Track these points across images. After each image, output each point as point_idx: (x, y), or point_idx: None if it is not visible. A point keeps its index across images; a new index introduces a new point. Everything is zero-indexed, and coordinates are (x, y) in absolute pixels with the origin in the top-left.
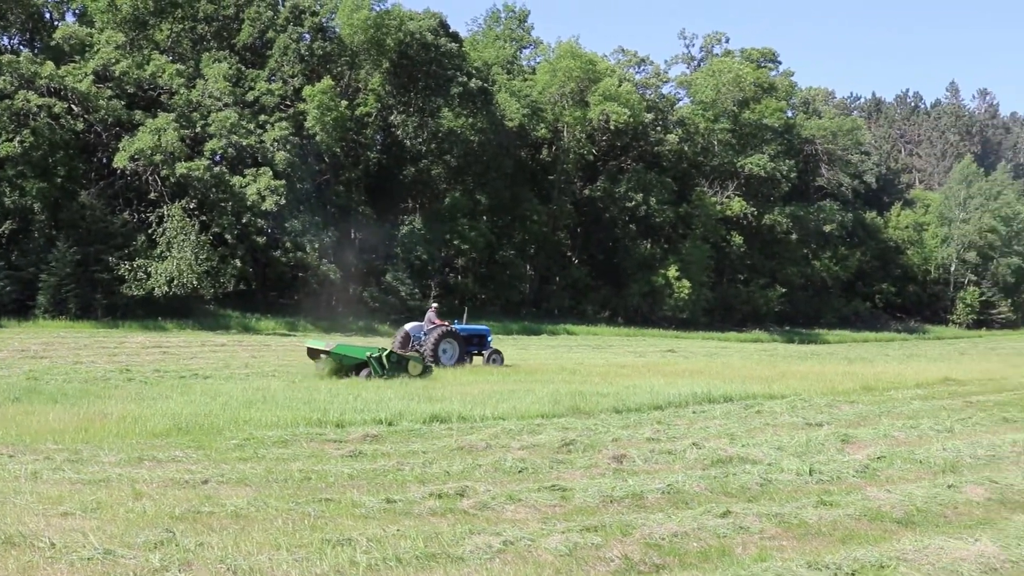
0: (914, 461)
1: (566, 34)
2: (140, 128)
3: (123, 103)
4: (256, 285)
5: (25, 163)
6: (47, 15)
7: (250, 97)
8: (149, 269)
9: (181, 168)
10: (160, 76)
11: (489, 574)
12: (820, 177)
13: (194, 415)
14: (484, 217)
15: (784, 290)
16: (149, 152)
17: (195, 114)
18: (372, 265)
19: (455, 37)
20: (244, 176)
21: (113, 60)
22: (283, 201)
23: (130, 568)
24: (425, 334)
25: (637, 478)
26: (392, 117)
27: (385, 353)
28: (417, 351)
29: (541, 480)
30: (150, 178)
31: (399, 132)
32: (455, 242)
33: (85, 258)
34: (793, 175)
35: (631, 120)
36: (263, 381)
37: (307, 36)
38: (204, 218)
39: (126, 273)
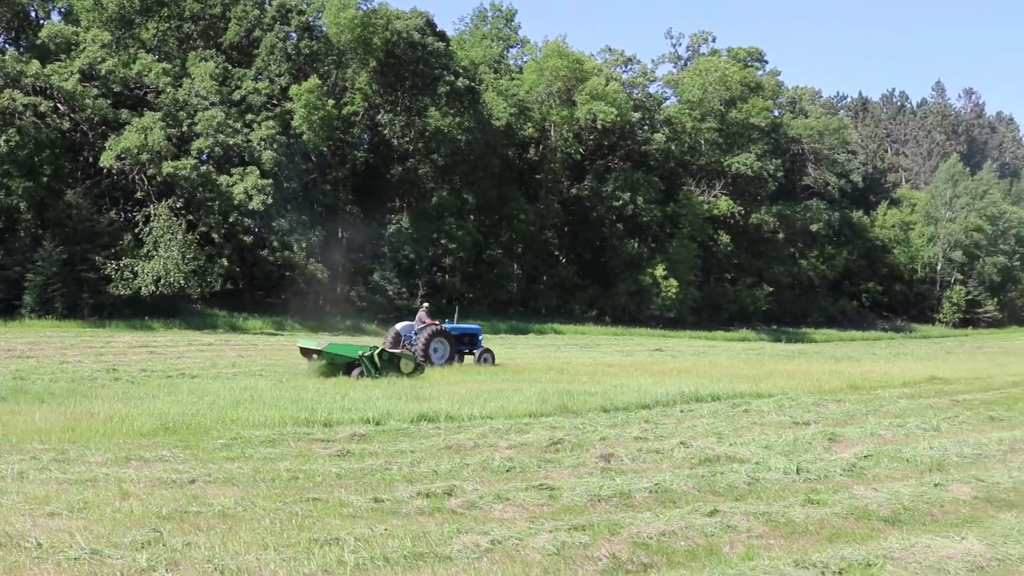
0: (901, 460)
1: (553, 33)
2: (126, 127)
3: (109, 102)
4: (243, 284)
5: (11, 162)
6: (32, 14)
7: (237, 96)
8: (136, 268)
9: (168, 167)
10: (146, 75)
11: (477, 573)
12: (807, 176)
13: (181, 415)
14: (471, 216)
15: (771, 289)
16: (135, 151)
17: (182, 113)
18: (359, 264)
19: (442, 36)
20: (231, 175)
21: (99, 59)
22: (270, 200)
23: (117, 568)
24: (416, 333)
25: (625, 477)
26: (379, 116)
27: (377, 352)
28: (408, 350)
29: (529, 479)
30: (137, 177)
31: (386, 131)
32: (442, 241)
33: (71, 257)
34: (780, 174)
35: (618, 119)
36: (250, 380)
37: (294, 35)
38: (191, 217)
39: (113, 272)
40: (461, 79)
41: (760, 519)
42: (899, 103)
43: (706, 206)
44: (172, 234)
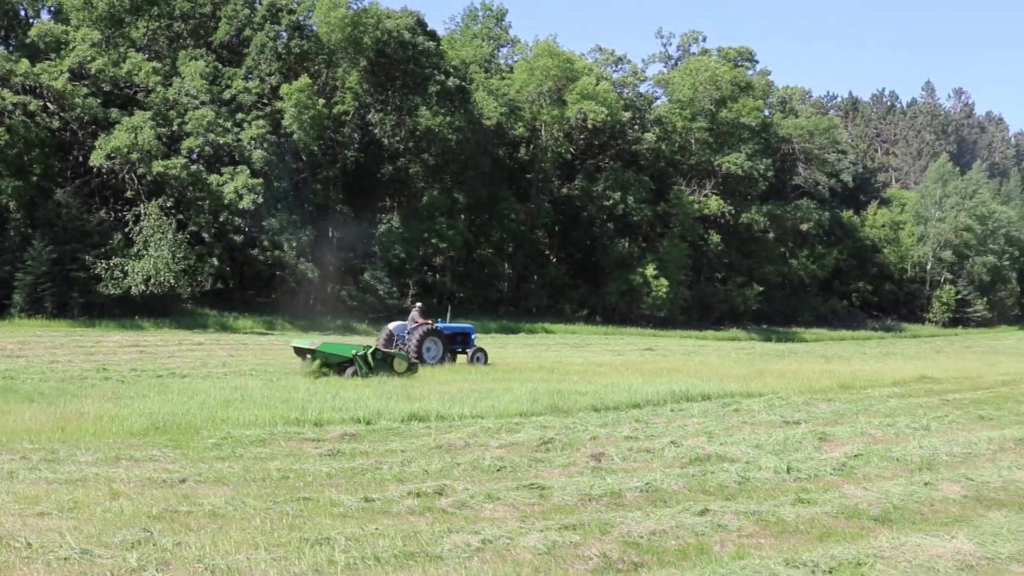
0: (891, 459)
1: (544, 33)
2: (116, 126)
3: (99, 101)
4: (233, 284)
5: (0, 161)
6: (22, 12)
7: (227, 95)
8: (126, 268)
9: (158, 166)
10: (136, 74)
11: (468, 573)
12: (797, 176)
13: (171, 414)
14: (462, 216)
15: (761, 288)
16: (125, 150)
17: (172, 112)
18: (350, 264)
19: (432, 35)
20: (221, 174)
21: (89, 58)
22: (260, 199)
23: (107, 568)
24: (409, 333)
25: (615, 476)
26: (369, 115)
27: (370, 351)
28: (401, 350)
29: (519, 479)
30: (126, 176)
31: (377, 130)
32: (433, 241)
33: (61, 257)
34: (770, 174)
35: (608, 119)
36: (241, 380)
37: (284, 34)
38: (181, 216)
39: (103, 272)
40: (452, 78)
41: (750, 518)
42: (889, 103)
43: (696, 206)
44: (162, 233)
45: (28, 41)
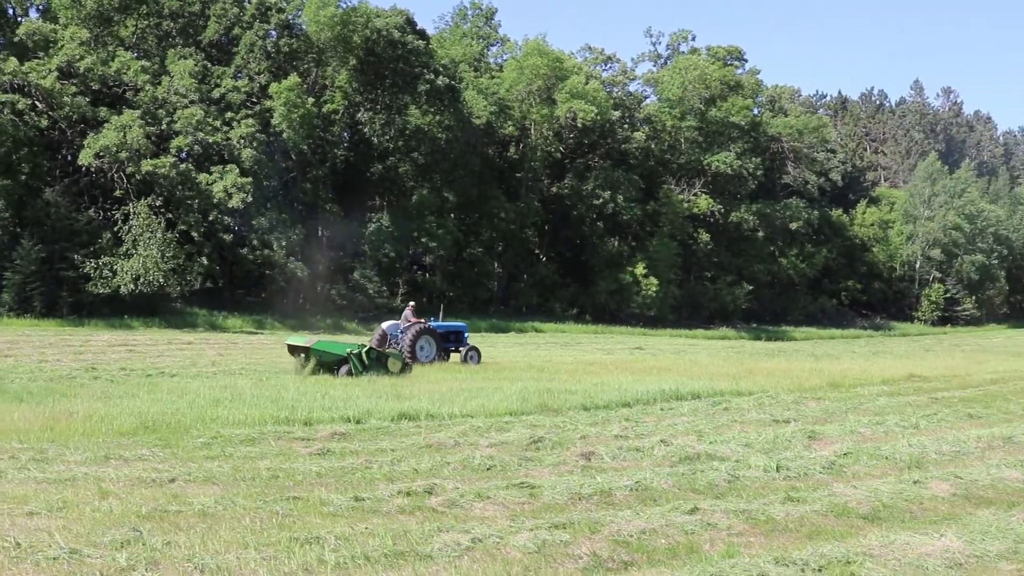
0: (880, 457)
1: (533, 32)
2: (105, 125)
3: (88, 100)
4: (223, 283)
5: None
6: (10, 11)
7: (216, 94)
8: (115, 267)
9: (147, 165)
10: (125, 73)
11: (458, 572)
12: (786, 175)
13: (161, 413)
14: (452, 215)
15: (751, 287)
16: (114, 149)
17: (161, 111)
18: (340, 263)
19: (422, 34)
20: (210, 173)
21: (77, 56)
22: (250, 198)
23: (96, 567)
24: (402, 332)
25: (605, 475)
26: (359, 114)
27: (365, 350)
28: (395, 349)
29: (509, 478)
30: (115, 175)
31: (366, 129)
32: (423, 240)
33: (50, 256)
34: (759, 173)
35: (598, 118)
36: (230, 379)
37: (273, 33)
38: (170, 215)
39: (92, 271)
40: (441, 77)
41: (740, 517)
42: (878, 102)
43: (686, 204)
44: (151, 232)
45: (16, 40)
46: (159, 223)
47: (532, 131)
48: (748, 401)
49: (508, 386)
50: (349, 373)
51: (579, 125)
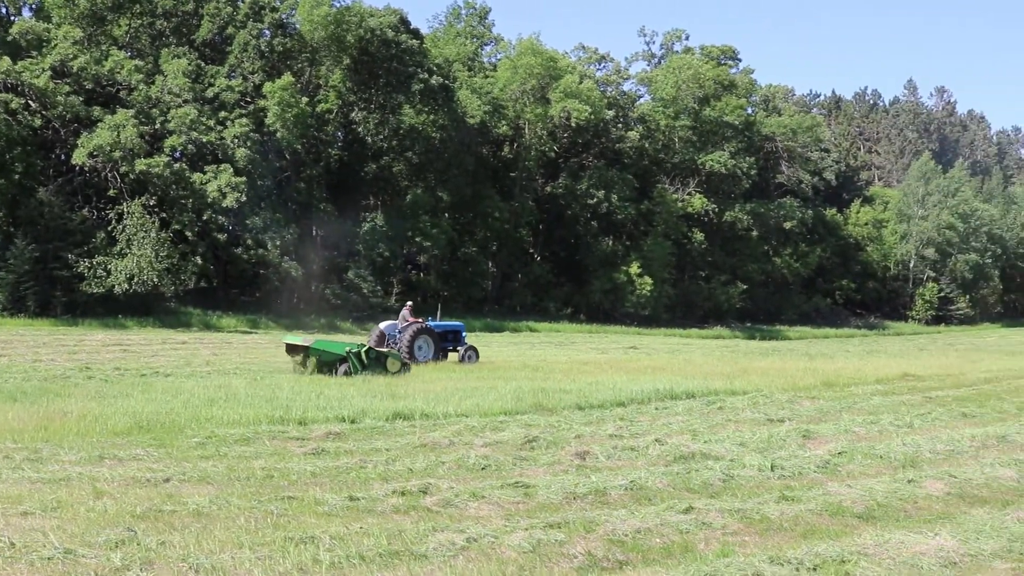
0: (874, 456)
1: (527, 31)
2: (99, 124)
3: (81, 99)
4: (217, 282)
5: None
6: (3, 10)
7: (210, 93)
8: (109, 266)
9: (141, 165)
10: (119, 72)
11: (452, 571)
12: (780, 174)
13: (155, 413)
14: (446, 214)
15: (745, 287)
16: (108, 148)
17: (154, 110)
18: (334, 262)
19: (416, 34)
20: (204, 173)
21: (71, 55)
22: (244, 198)
23: (91, 567)
24: (400, 332)
25: (600, 475)
26: (353, 114)
27: (364, 349)
28: (393, 349)
29: (504, 477)
30: (109, 175)
31: (360, 129)
32: (417, 239)
33: (44, 255)
34: (753, 172)
35: (592, 117)
36: (225, 379)
37: (267, 32)
38: (164, 215)
39: (85, 271)
40: (435, 77)
41: (735, 516)
42: (871, 101)
43: (680, 204)
44: (145, 232)
45: (9, 39)
46: (153, 223)
47: (526, 130)
48: (743, 400)
49: (503, 385)
50: (348, 372)
51: (573, 124)
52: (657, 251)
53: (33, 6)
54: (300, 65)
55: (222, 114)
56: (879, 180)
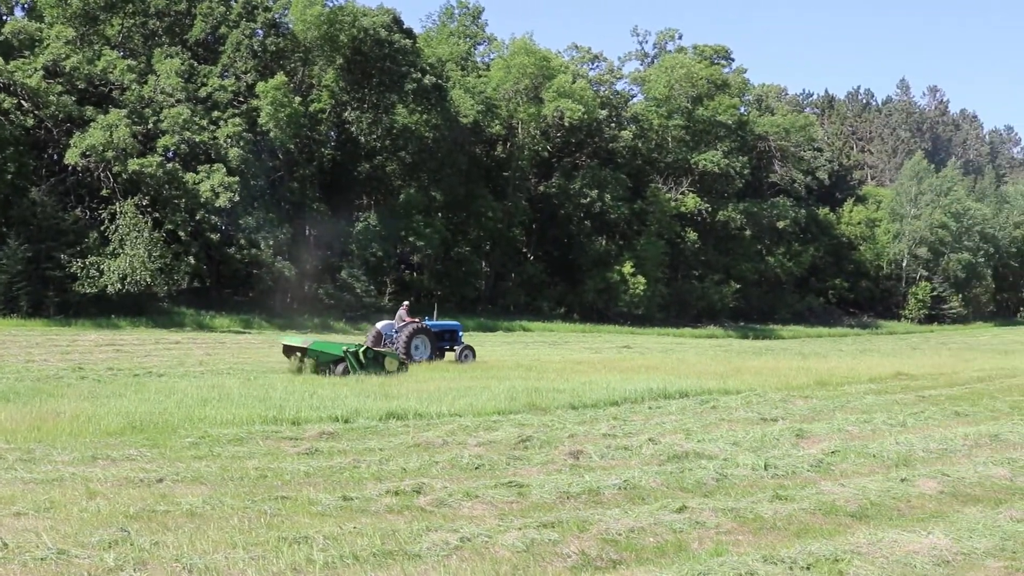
0: (867, 455)
1: (520, 30)
2: (91, 124)
3: (74, 99)
4: (210, 282)
5: None
6: None
7: (203, 93)
8: (102, 266)
9: (133, 164)
10: (111, 72)
11: (446, 571)
12: (773, 173)
13: (148, 413)
14: (439, 214)
15: (738, 286)
16: (101, 148)
17: (147, 110)
18: (327, 262)
19: (409, 33)
20: (197, 173)
21: (63, 55)
22: (237, 198)
23: (84, 568)
24: (397, 331)
25: (593, 474)
26: (346, 113)
27: (362, 349)
28: (390, 348)
29: (498, 477)
30: (102, 175)
31: (353, 128)
32: (410, 239)
33: (36, 255)
34: (746, 171)
35: (585, 117)
36: (218, 379)
37: (260, 32)
38: (157, 215)
39: (78, 271)
40: (428, 76)
41: (728, 515)
42: (864, 100)
43: (673, 203)
44: (138, 232)
45: (1, 38)
46: (146, 222)
47: (519, 130)
48: (736, 400)
49: (496, 385)
50: (346, 372)
51: (566, 124)
52: (650, 250)
53: (25, 6)
54: (293, 65)
55: (215, 114)
56: (872, 179)
